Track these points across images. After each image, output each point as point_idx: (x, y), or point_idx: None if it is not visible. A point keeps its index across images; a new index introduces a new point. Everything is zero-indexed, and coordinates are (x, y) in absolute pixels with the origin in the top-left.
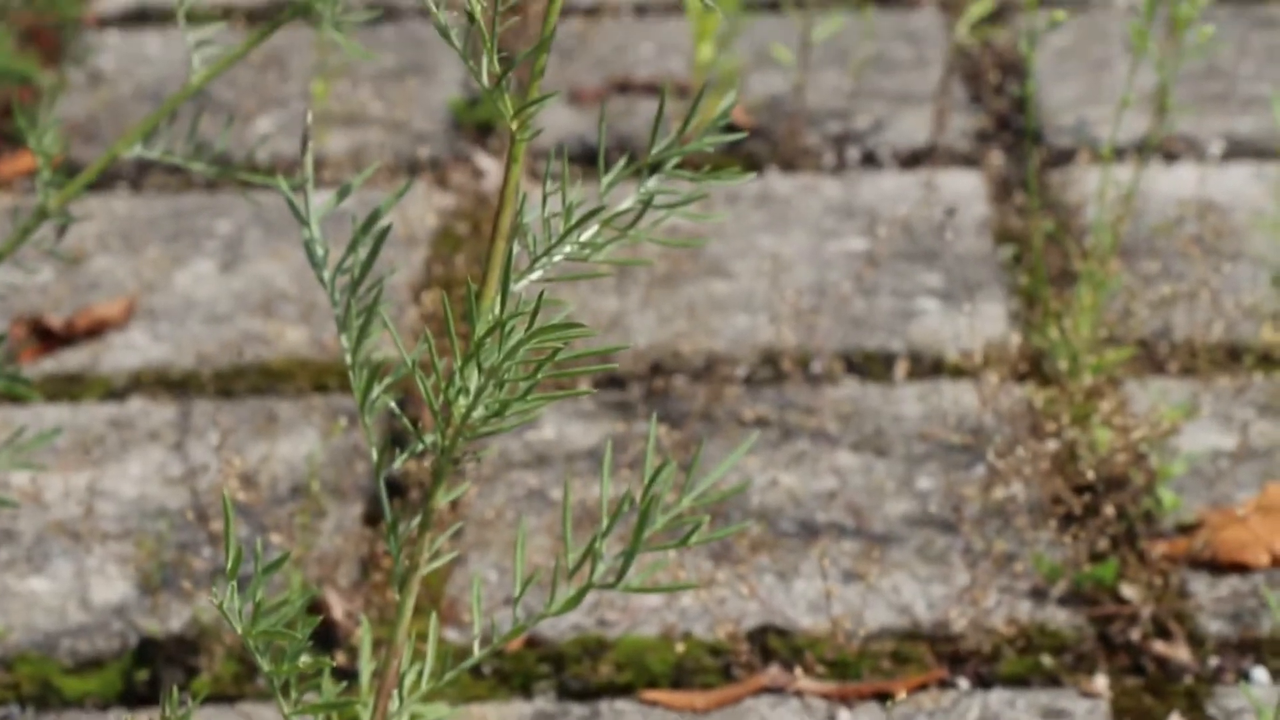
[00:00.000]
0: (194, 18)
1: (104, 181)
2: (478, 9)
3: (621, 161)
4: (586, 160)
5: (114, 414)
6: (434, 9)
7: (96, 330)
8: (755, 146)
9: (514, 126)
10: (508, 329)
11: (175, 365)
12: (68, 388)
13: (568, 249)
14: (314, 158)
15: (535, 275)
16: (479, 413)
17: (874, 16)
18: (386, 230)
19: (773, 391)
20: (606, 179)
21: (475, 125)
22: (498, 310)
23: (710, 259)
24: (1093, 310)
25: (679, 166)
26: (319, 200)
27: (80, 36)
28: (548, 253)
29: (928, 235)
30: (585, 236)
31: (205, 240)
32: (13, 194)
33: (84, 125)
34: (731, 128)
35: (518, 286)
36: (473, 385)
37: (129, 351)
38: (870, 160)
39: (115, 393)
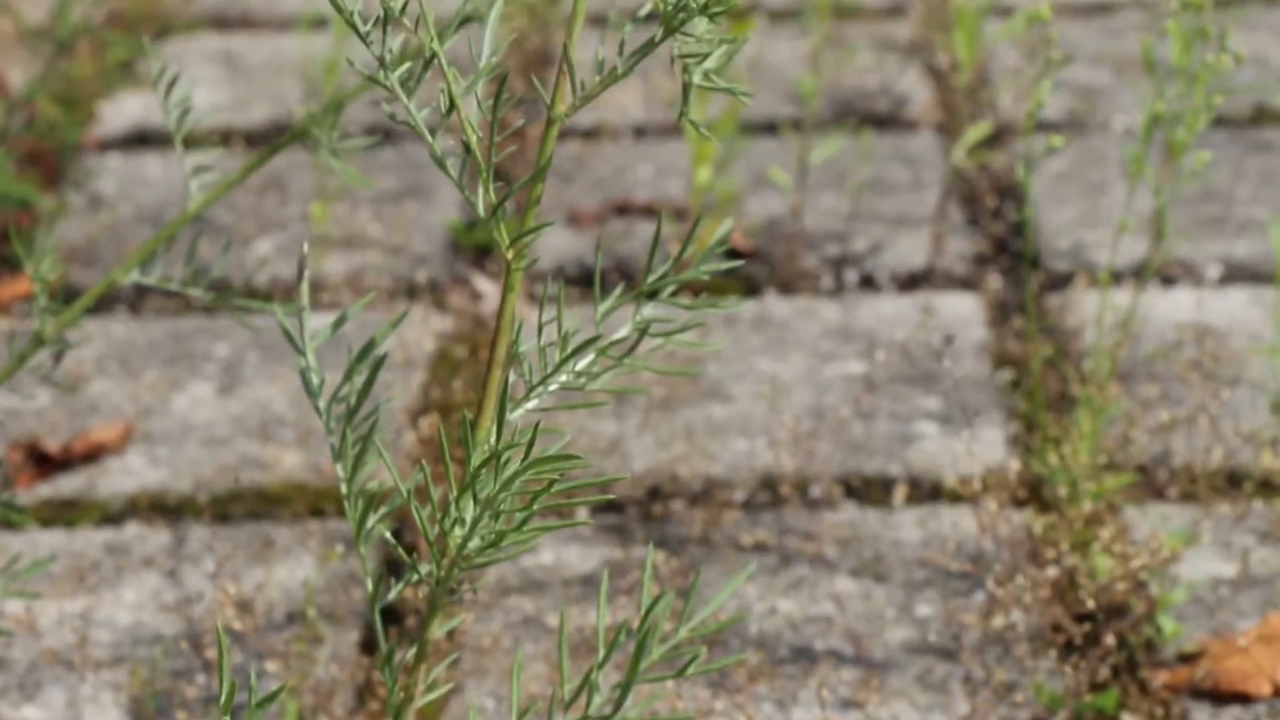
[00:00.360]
0: (192, 142)
1: (103, 304)
2: (474, 139)
3: (618, 290)
4: (585, 282)
5: (109, 539)
6: (429, 139)
7: (93, 455)
8: (753, 269)
9: (509, 255)
10: (503, 459)
11: (172, 490)
12: (63, 513)
13: (564, 378)
14: (312, 280)
15: (531, 404)
16: (475, 543)
17: (871, 139)
18: (382, 359)
19: (771, 516)
20: (603, 307)
21: (473, 247)
22: (493, 440)
23: (708, 382)
24: (1091, 436)
25: (676, 291)
26: (317, 323)
27: (80, 160)
28: (543, 382)
29: (926, 359)
30: (581, 365)
31: (203, 364)
32: (10, 318)
33: (83, 249)
34: (731, 253)
35: (513, 415)
36: (468, 516)
37: (126, 476)
38: (868, 283)
39: (111, 518)
